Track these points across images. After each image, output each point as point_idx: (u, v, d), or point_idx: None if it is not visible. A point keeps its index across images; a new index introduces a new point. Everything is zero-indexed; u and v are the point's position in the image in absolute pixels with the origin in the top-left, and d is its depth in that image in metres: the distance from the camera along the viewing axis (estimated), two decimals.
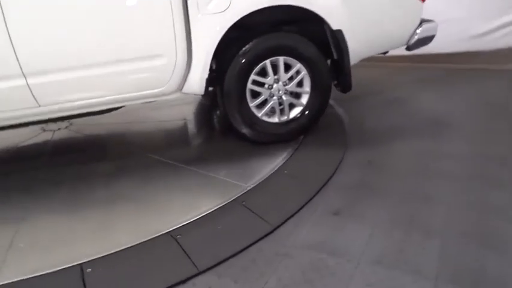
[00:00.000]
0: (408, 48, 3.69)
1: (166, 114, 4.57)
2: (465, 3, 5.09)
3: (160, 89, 3.29)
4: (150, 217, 2.77)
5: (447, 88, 4.70)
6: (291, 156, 3.40)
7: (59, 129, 4.35)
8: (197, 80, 3.30)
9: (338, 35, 3.36)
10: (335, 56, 3.55)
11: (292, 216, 2.68)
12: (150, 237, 2.56)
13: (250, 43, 3.29)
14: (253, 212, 2.73)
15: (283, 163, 3.31)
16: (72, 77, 2.99)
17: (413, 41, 3.63)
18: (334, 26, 3.35)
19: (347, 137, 3.68)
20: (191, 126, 4.43)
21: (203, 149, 3.82)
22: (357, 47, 3.45)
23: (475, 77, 4.95)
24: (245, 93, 3.40)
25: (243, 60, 3.29)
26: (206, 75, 3.27)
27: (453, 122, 3.80)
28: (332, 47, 3.53)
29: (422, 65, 5.25)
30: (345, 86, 3.53)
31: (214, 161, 3.41)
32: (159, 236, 2.57)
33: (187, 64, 3.23)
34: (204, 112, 4.74)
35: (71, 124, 4.43)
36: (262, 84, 3.44)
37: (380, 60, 4.77)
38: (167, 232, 2.60)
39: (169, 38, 3.13)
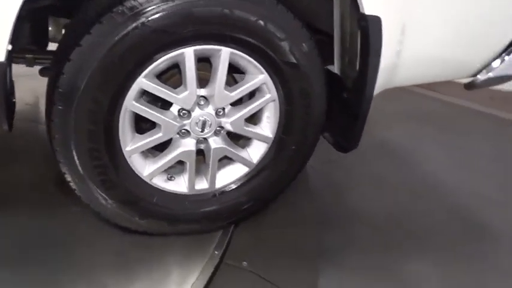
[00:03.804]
0: (471, 85, 1.84)
1: None
2: None
3: None
4: None
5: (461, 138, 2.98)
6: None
7: None
8: None
9: (370, 28, 1.39)
10: (337, 69, 1.61)
11: None
12: None
13: None
14: None
15: None
16: None
17: (486, 76, 1.77)
18: (368, 6, 1.37)
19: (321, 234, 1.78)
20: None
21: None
22: (396, 63, 1.53)
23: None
24: (117, 118, 1.32)
25: (130, 32, 1.20)
26: (6, 43, 1.13)
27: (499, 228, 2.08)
28: (337, 50, 1.57)
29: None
30: (350, 137, 1.58)
31: None
32: None
33: None
34: None
35: None
36: (164, 104, 1.40)
37: None
38: None
39: None
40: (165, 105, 1.39)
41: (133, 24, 1.19)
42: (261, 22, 1.30)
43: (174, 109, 1.39)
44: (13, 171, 1.86)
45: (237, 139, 1.56)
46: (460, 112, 3.45)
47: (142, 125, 1.43)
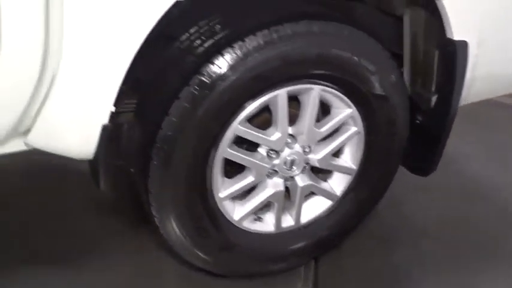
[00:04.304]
0: None
1: None
2: None
3: None
4: None
5: None
6: None
7: None
8: (78, 118, 1.07)
9: (458, 52, 1.36)
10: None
11: None
12: None
13: (252, 37, 1.14)
14: None
15: None
16: None
17: None
18: (457, 32, 1.34)
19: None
20: None
21: None
22: (472, 79, 1.50)
23: None
24: (210, 167, 1.27)
25: (231, 82, 1.14)
26: (111, 104, 1.07)
27: None
28: (407, 71, 1.53)
29: None
30: (429, 159, 1.55)
31: None
32: None
33: (42, 59, 0.99)
34: None
35: None
36: (249, 146, 1.35)
37: None
38: None
39: None
40: (251, 146, 1.34)
41: (234, 74, 1.14)
42: (355, 58, 1.26)
43: (263, 150, 1.34)
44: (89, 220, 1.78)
45: (317, 172, 1.52)
46: (489, 106, 3.43)
47: (226, 168, 1.38)
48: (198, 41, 1.17)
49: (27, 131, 1.12)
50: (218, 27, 1.18)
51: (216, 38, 1.15)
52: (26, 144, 1.16)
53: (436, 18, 1.38)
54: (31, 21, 0.94)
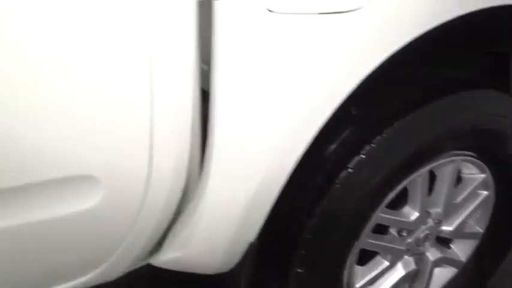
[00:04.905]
0: None
1: None
2: None
3: (93, 272, 0.88)
4: None
5: None
6: None
7: None
8: (224, 237, 0.92)
9: None
10: None
11: None
12: None
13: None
14: None
15: None
16: None
17: None
18: None
19: None
20: None
21: None
22: None
23: None
24: (350, 261, 1.12)
25: (375, 174, 1.00)
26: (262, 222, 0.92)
27: None
28: None
29: None
30: None
31: None
32: None
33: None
34: None
35: None
36: (382, 230, 1.19)
37: None
38: None
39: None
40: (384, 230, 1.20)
41: (383, 163, 1.00)
42: (500, 123, 1.13)
43: (393, 230, 1.20)
44: None
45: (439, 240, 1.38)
46: None
47: None
48: (336, 130, 1.02)
49: (154, 251, 0.97)
50: (353, 109, 1.03)
51: (359, 125, 1.01)
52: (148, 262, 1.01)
53: None
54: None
